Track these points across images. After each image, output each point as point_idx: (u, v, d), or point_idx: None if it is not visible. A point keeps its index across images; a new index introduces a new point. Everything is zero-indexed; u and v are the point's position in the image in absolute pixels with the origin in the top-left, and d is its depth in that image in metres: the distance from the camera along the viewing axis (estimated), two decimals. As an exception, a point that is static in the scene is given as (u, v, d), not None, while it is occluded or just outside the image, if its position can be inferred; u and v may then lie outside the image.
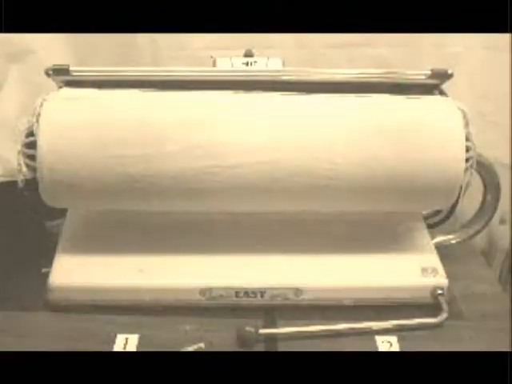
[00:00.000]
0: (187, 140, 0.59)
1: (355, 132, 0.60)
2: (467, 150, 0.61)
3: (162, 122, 0.59)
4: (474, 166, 0.63)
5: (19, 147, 0.60)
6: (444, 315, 0.62)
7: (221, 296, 0.63)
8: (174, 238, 0.67)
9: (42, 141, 0.58)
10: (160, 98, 0.62)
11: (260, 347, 0.59)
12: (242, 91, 0.63)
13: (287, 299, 0.63)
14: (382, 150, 0.60)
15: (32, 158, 0.59)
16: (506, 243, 0.95)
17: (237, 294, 0.63)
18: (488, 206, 0.71)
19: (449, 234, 0.72)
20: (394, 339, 0.60)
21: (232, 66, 0.66)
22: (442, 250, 0.69)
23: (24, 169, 0.60)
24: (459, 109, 0.62)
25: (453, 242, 0.72)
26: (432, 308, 0.64)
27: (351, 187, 0.61)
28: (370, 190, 0.61)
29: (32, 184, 0.60)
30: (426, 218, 0.72)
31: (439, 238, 0.71)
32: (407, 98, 0.64)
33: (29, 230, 0.73)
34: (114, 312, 0.62)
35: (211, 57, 0.66)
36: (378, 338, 0.60)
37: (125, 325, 0.61)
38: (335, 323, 0.61)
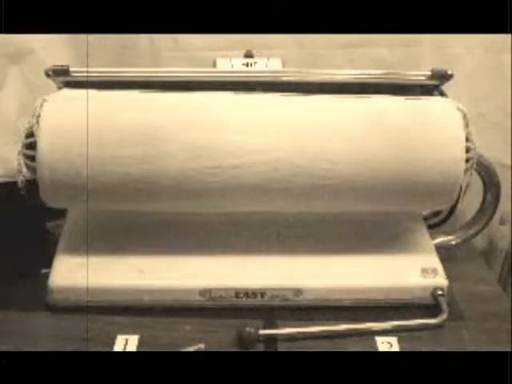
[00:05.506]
0: (187, 141, 0.59)
1: (355, 132, 0.60)
2: (467, 150, 0.61)
3: (162, 122, 0.59)
4: (474, 166, 0.63)
5: (19, 148, 0.60)
6: (444, 316, 0.62)
7: (221, 297, 0.63)
8: (174, 238, 0.67)
9: (42, 141, 0.58)
10: (160, 99, 0.62)
11: (260, 348, 0.59)
12: (242, 92, 0.63)
13: (287, 300, 0.63)
14: (382, 150, 0.60)
15: (32, 158, 0.59)
16: (506, 243, 0.95)
17: (237, 294, 0.63)
18: (488, 207, 0.71)
19: (449, 234, 0.72)
20: (394, 340, 0.60)
21: (232, 66, 0.66)
22: (442, 251, 0.69)
23: (24, 169, 0.60)
24: (459, 109, 0.62)
25: (453, 242, 0.72)
26: (432, 309, 0.64)
27: (351, 188, 0.60)
28: (369, 191, 0.61)
29: (32, 185, 0.60)
30: (426, 218, 0.72)
31: (439, 239, 0.71)
32: (407, 99, 0.64)
33: (29, 230, 0.73)
34: (114, 312, 0.62)
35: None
36: (378, 339, 0.60)
37: (125, 325, 0.61)
38: (335, 324, 0.61)
